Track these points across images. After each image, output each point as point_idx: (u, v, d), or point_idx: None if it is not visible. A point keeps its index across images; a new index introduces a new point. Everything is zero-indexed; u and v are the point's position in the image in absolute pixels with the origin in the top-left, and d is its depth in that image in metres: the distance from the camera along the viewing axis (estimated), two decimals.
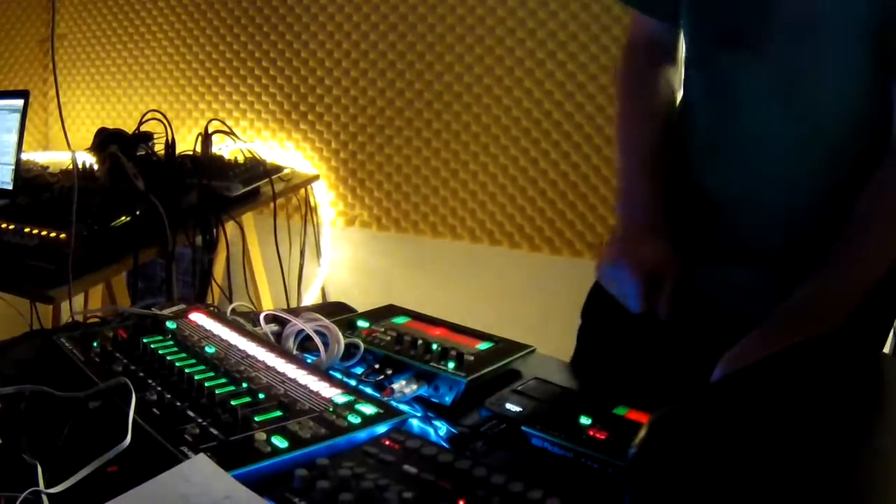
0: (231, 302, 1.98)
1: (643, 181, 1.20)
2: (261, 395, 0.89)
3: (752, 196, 1.13)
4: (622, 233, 1.21)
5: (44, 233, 1.73)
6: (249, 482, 0.71)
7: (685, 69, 1.20)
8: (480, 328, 1.18)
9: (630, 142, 1.26)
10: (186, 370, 0.94)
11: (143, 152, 2.06)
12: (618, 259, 1.16)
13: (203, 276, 2.34)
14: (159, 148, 2.09)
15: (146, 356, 0.98)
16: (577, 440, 0.86)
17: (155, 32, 3.05)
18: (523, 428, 0.89)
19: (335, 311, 1.27)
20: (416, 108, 2.69)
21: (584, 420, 0.90)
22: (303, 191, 2.80)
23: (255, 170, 2.32)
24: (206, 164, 2.14)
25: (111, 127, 2.25)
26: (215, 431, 0.80)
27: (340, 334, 1.08)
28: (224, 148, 2.52)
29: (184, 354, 1.00)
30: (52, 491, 0.73)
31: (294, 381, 0.95)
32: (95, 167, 2.07)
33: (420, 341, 1.08)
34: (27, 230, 1.75)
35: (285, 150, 2.90)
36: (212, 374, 0.95)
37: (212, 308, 1.22)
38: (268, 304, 2.67)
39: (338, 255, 2.90)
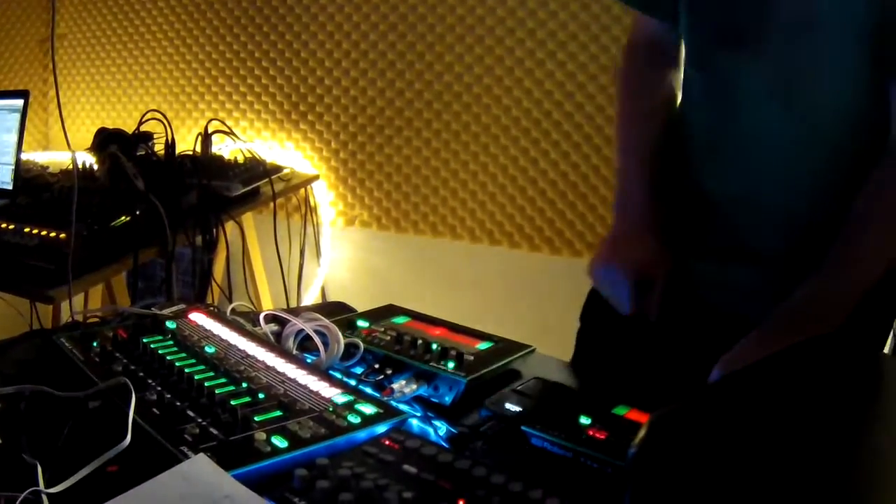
0: (231, 302, 1.98)
1: (639, 182, 1.20)
2: (261, 395, 0.90)
3: (750, 196, 1.13)
4: (615, 233, 1.21)
5: (44, 233, 1.73)
6: (249, 482, 0.72)
7: (684, 69, 1.20)
8: (480, 328, 1.18)
9: (629, 142, 1.27)
10: (186, 370, 0.94)
11: (143, 152, 2.06)
12: (609, 260, 1.17)
13: (203, 275, 2.34)
14: (159, 148, 2.09)
15: (146, 356, 0.98)
16: (577, 440, 0.86)
17: (155, 32, 3.05)
18: (523, 428, 0.89)
19: (335, 310, 1.27)
20: (416, 108, 2.70)
21: (584, 420, 0.90)
22: (303, 191, 2.80)
23: (255, 170, 2.32)
24: (205, 164, 2.14)
25: (111, 127, 2.25)
26: (215, 431, 0.80)
27: (340, 334, 1.08)
28: (224, 148, 2.52)
29: (184, 354, 1.00)
30: (51, 491, 0.73)
31: (294, 380, 0.95)
32: (95, 167, 2.07)
33: (420, 341, 1.08)
34: (27, 230, 1.75)
35: (285, 149, 2.90)
36: (212, 373, 0.95)
37: (212, 308, 1.22)
38: (267, 304, 2.67)
39: (338, 255, 2.90)
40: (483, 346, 1.12)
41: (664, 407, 0.65)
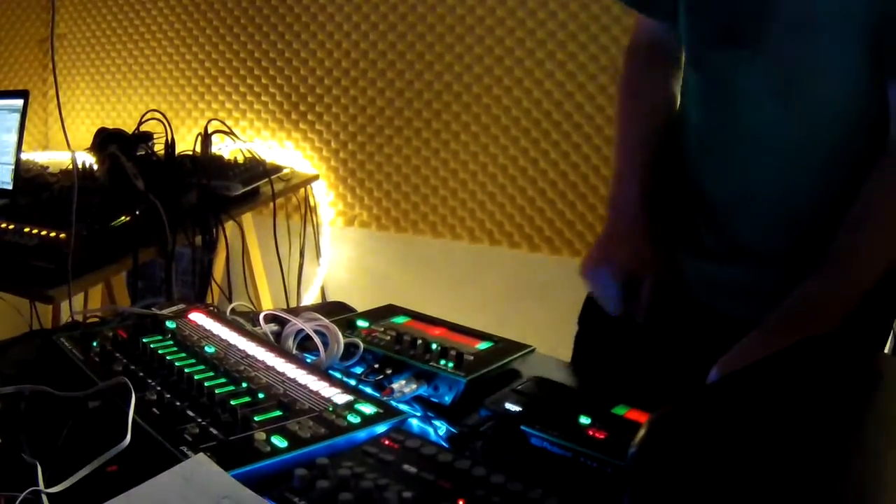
0: (231, 302, 1.98)
1: (634, 182, 1.21)
2: (260, 395, 0.90)
3: (749, 196, 1.13)
4: (607, 233, 1.22)
5: (43, 232, 1.73)
6: (249, 482, 0.72)
7: (684, 69, 1.20)
8: (480, 328, 1.18)
9: (626, 141, 1.27)
10: (186, 370, 0.94)
11: (143, 152, 2.06)
12: (599, 260, 1.17)
13: (203, 275, 2.34)
14: (159, 148, 2.09)
15: (146, 356, 0.98)
16: (577, 440, 0.86)
17: (155, 32, 3.05)
18: (523, 427, 0.89)
19: (335, 310, 1.27)
20: (416, 108, 2.70)
21: (584, 420, 0.90)
22: (302, 190, 2.80)
23: (255, 170, 2.32)
24: (205, 164, 2.14)
25: (111, 127, 2.25)
26: (215, 431, 0.80)
27: (340, 334, 1.08)
28: (224, 148, 2.52)
29: (183, 354, 1.00)
30: (51, 490, 0.73)
31: (294, 380, 0.95)
32: (95, 167, 2.07)
33: (419, 341, 1.08)
34: (27, 230, 1.75)
35: (285, 149, 2.90)
36: (211, 373, 0.95)
37: (211, 308, 1.22)
38: (267, 304, 2.67)
39: (337, 255, 2.90)
40: (483, 345, 1.12)
41: (664, 407, 0.65)
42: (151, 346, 1.01)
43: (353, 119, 2.79)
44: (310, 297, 2.88)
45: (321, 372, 0.99)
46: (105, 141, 2.08)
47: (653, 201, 1.21)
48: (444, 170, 2.70)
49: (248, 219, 2.57)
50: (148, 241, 1.91)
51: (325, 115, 2.83)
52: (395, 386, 1.00)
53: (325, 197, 2.87)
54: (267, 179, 2.32)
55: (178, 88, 3.05)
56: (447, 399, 1.00)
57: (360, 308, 1.30)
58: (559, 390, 1.02)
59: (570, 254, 2.56)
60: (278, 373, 0.97)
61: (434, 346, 1.07)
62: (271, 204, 2.38)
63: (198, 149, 2.20)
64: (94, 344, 1.02)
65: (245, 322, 1.16)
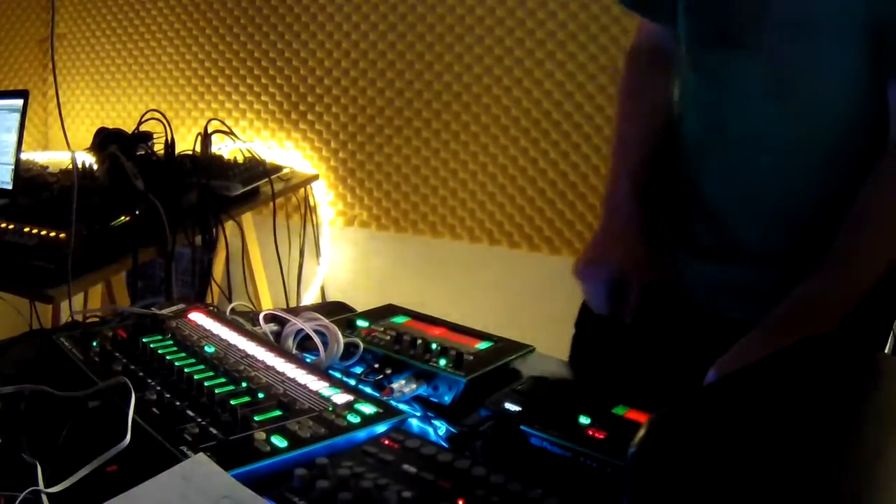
0: (230, 301, 1.98)
1: (630, 181, 1.21)
2: (260, 395, 0.90)
3: (747, 196, 1.13)
4: (600, 233, 1.23)
5: (43, 232, 1.73)
6: (249, 482, 0.72)
7: (682, 71, 1.20)
8: (480, 327, 1.18)
9: (624, 141, 1.28)
10: (186, 370, 0.94)
11: (143, 152, 2.06)
12: (589, 260, 1.18)
13: (202, 275, 2.34)
14: (159, 148, 2.09)
15: (146, 356, 0.98)
16: (577, 439, 0.86)
17: (154, 32, 3.05)
18: (522, 427, 0.89)
19: (334, 310, 1.27)
20: (415, 108, 2.70)
21: (584, 419, 0.90)
22: (302, 190, 2.80)
23: (255, 169, 2.32)
24: (205, 164, 2.14)
25: (111, 126, 2.25)
26: (215, 431, 0.80)
27: (340, 334, 1.08)
28: (223, 147, 2.52)
29: (183, 354, 1.00)
30: (51, 490, 0.73)
31: (293, 380, 0.95)
32: (95, 167, 2.07)
33: (419, 341, 1.08)
34: (27, 230, 1.75)
35: (284, 149, 2.90)
36: (211, 373, 0.95)
37: (211, 308, 1.22)
38: (267, 304, 2.67)
39: (337, 255, 2.90)
40: (482, 345, 1.12)
41: (664, 407, 0.65)
42: (151, 345, 1.01)
43: (353, 119, 2.79)
44: (309, 297, 2.88)
45: (321, 372, 0.99)
46: (105, 141, 2.08)
47: (648, 200, 1.21)
48: (444, 170, 2.70)
49: (247, 218, 2.57)
50: (148, 240, 1.91)
51: (324, 115, 2.83)
52: (395, 386, 1.00)
53: (325, 197, 2.87)
54: (267, 179, 2.32)
55: (178, 88, 3.05)
56: (447, 399, 1.00)
57: (359, 308, 1.30)
58: (559, 390, 1.02)
59: (570, 254, 2.56)
60: (278, 373, 0.97)
61: (434, 345, 1.07)
62: (271, 204, 2.38)
63: (197, 148, 2.20)
64: (94, 344, 1.02)
65: (245, 322, 1.16)
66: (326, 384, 0.94)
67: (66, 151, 2.33)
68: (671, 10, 1.15)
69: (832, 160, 1.07)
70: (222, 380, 0.93)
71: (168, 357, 0.98)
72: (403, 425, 0.89)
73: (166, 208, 1.91)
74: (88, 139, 2.19)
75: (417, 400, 1.01)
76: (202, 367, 0.97)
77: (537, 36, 2.50)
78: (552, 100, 2.52)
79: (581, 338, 1.35)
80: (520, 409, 0.93)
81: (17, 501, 0.71)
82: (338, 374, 1.04)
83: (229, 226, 2.25)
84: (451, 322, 1.20)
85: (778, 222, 1.12)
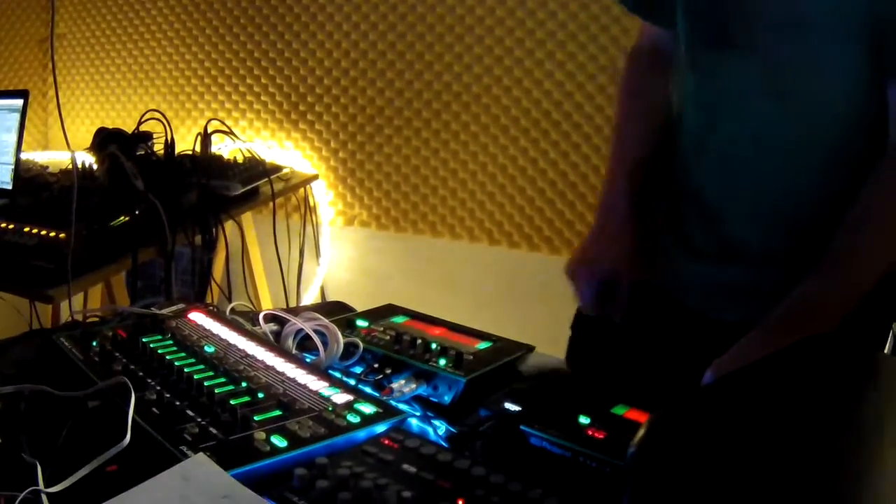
0: (230, 301, 1.98)
1: (626, 180, 1.22)
2: (260, 395, 0.90)
3: (745, 197, 1.13)
4: (592, 234, 1.23)
5: (43, 232, 1.73)
6: (249, 481, 0.72)
7: (681, 72, 1.21)
8: (479, 327, 1.18)
9: (622, 140, 1.29)
10: (186, 369, 0.94)
11: (143, 152, 2.06)
12: (579, 260, 1.19)
13: (202, 275, 2.34)
14: (159, 147, 2.08)
15: (145, 355, 0.99)
16: (576, 439, 0.86)
17: (154, 32, 3.05)
18: (522, 427, 0.89)
19: (334, 310, 1.27)
20: (415, 108, 2.70)
21: (583, 419, 0.90)
22: (302, 190, 2.80)
23: (255, 169, 2.32)
24: (205, 164, 2.14)
25: (110, 126, 2.25)
26: (214, 431, 0.80)
27: (339, 333, 1.08)
28: (223, 147, 2.52)
29: (183, 354, 1.01)
30: (51, 490, 0.73)
31: (293, 380, 0.95)
32: (95, 167, 2.07)
33: (419, 341, 1.08)
34: (27, 230, 1.75)
35: (284, 149, 2.90)
36: (211, 373, 0.95)
37: (211, 307, 1.23)
38: (267, 304, 2.67)
39: (337, 255, 2.90)
40: (482, 345, 1.12)
41: (664, 407, 0.65)
42: (151, 345, 1.01)
43: (353, 119, 2.79)
44: (309, 297, 2.88)
45: (321, 371, 0.99)
46: (105, 141, 2.08)
47: (645, 201, 1.22)
48: (444, 169, 2.70)
49: (247, 218, 2.57)
50: (147, 240, 1.91)
51: (324, 115, 2.83)
52: (395, 385, 1.00)
53: (325, 196, 2.87)
54: (266, 179, 2.32)
55: (178, 88, 3.05)
56: (447, 399, 1.00)
57: (359, 308, 1.30)
58: (558, 390, 1.02)
59: (570, 253, 2.54)
60: (278, 372, 0.97)
61: (433, 345, 1.07)
62: (271, 203, 2.38)
63: (197, 148, 2.20)
64: (94, 344, 1.02)
65: (245, 322, 1.17)
66: (326, 384, 0.94)
67: (66, 151, 2.33)
68: (671, 12, 1.16)
69: (831, 160, 1.07)
70: (222, 380, 0.93)
71: (168, 357, 0.98)
72: (403, 425, 0.89)
73: (166, 208, 1.91)
74: (88, 139, 2.19)
75: (417, 400, 1.01)
76: (202, 366, 0.97)
77: (537, 36, 2.49)
78: (552, 100, 2.52)
79: (577, 339, 1.35)
80: (519, 408, 0.93)
81: (17, 501, 0.71)
82: (338, 374, 1.04)
83: (229, 226, 2.25)
84: (451, 322, 1.20)
85: (776, 222, 1.12)
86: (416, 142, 2.72)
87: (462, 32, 2.59)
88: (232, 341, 1.07)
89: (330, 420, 0.85)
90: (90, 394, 0.89)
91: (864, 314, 1.00)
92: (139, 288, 2.11)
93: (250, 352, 1.03)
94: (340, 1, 2.73)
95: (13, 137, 2.09)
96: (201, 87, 3.01)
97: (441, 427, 0.95)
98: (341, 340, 1.07)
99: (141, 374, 0.92)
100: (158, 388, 0.90)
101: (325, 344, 1.08)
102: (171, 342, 1.04)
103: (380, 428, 0.85)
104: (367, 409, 0.88)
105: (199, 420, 0.82)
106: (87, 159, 2.11)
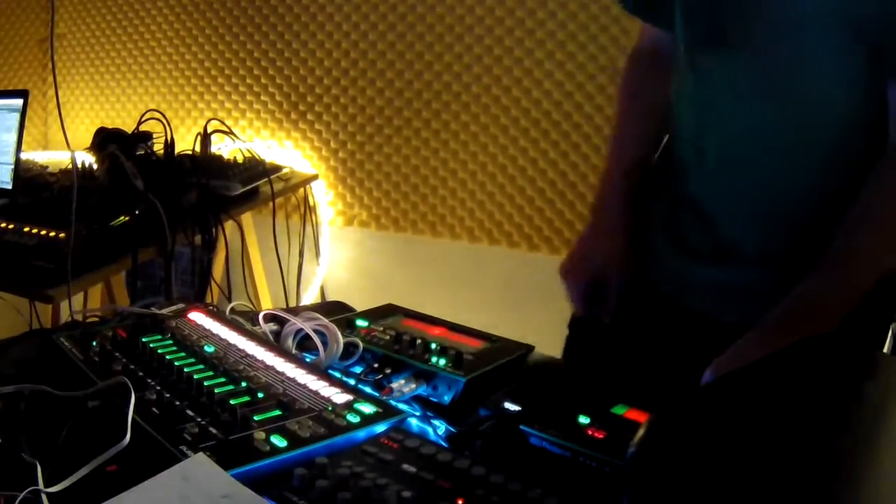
0: (230, 301, 1.98)
1: (620, 182, 1.23)
2: (260, 395, 0.90)
3: (743, 197, 1.13)
4: (584, 234, 1.24)
5: (43, 232, 1.73)
6: (248, 481, 0.72)
7: (679, 73, 1.21)
8: (479, 327, 1.18)
9: (620, 139, 1.29)
10: (185, 369, 0.94)
11: (143, 152, 2.06)
12: (570, 261, 1.20)
13: (202, 275, 2.34)
14: (158, 147, 2.09)
15: (145, 355, 0.99)
16: (576, 439, 0.86)
17: (154, 32, 3.05)
18: (522, 427, 0.89)
19: (334, 310, 1.27)
20: (415, 108, 2.70)
21: (583, 419, 0.90)
22: (302, 190, 2.80)
23: (254, 169, 2.32)
24: (205, 164, 2.14)
25: (110, 126, 2.25)
26: (214, 430, 0.80)
27: (339, 333, 1.08)
28: (223, 147, 2.52)
29: (183, 354, 1.01)
30: (51, 490, 0.73)
31: (293, 380, 0.95)
32: (95, 167, 2.07)
33: (419, 340, 1.08)
34: (26, 229, 1.75)
35: (284, 149, 2.90)
36: (211, 373, 0.95)
37: (211, 307, 1.23)
38: (267, 304, 2.67)
39: (337, 255, 2.90)
40: (482, 345, 1.12)
41: (663, 407, 0.65)
42: (151, 345, 1.01)
43: (352, 118, 2.79)
44: (309, 297, 2.88)
45: (320, 371, 0.99)
46: (104, 140, 2.08)
47: (641, 201, 1.22)
48: (444, 169, 2.70)
49: (247, 218, 2.57)
50: (147, 240, 1.91)
51: (324, 115, 2.83)
52: (395, 385, 1.00)
53: (325, 196, 2.87)
54: (266, 179, 2.32)
55: (178, 88, 3.05)
56: (446, 398, 1.00)
57: (359, 308, 1.30)
58: (558, 390, 1.02)
59: None
60: (278, 372, 0.97)
61: (433, 345, 1.07)
62: (271, 203, 2.38)
63: (197, 148, 2.20)
64: (94, 343, 1.02)
65: (244, 321, 1.17)
66: (326, 384, 0.94)
67: (65, 151, 2.32)
68: (671, 13, 1.16)
69: (828, 160, 1.07)
70: (222, 379, 0.93)
71: (168, 357, 0.98)
72: (403, 425, 0.89)
73: (166, 208, 1.90)
74: (88, 139, 2.19)
75: (417, 399, 1.01)
76: (202, 366, 0.97)
77: (537, 36, 2.50)
78: (551, 100, 2.52)
79: (573, 338, 1.35)
80: (519, 408, 0.93)
81: (17, 501, 0.71)
82: (337, 374, 1.04)
83: (229, 226, 2.25)
84: (451, 322, 1.20)
85: (773, 223, 1.12)
86: (416, 142, 2.72)
87: (462, 32, 2.59)
88: (232, 341, 1.07)
89: (330, 420, 0.85)
90: (90, 394, 0.89)
91: (863, 314, 1.00)
92: (139, 288, 2.11)
93: (250, 352, 1.03)
94: (340, 1, 2.73)
95: (13, 137, 2.09)
96: (201, 87, 3.01)
97: (441, 427, 0.95)
98: (341, 340, 1.07)
99: (141, 374, 0.92)
100: (158, 387, 0.90)
101: (324, 344, 1.08)
102: (170, 342, 1.04)
103: (379, 428, 0.85)
104: (367, 408, 0.88)
105: (199, 420, 0.82)
106: (87, 159, 2.12)
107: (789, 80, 1.04)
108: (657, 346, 1.22)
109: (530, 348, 1.14)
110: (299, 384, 0.94)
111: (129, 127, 2.18)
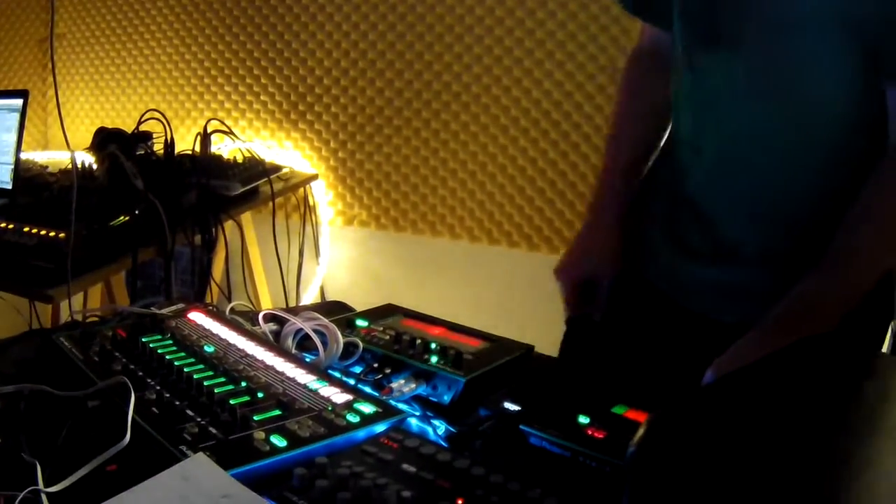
0: (230, 301, 1.98)
1: (617, 181, 1.23)
2: (260, 394, 0.90)
3: (742, 197, 1.12)
4: (583, 229, 1.24)
5: (43, 232, 1.73)
6: (248, 481, 0.72)
7: (677, 73, 1.21)
8: (479, 327, 1.19)
9: (619, 139, 1.30)
10: (185, 369, 0.94)
11: (143, 152, 2.06)
12: (565, 259, 1.22)
13: (202, 275, 2.34)
14: (158, 147, 2.08)
15: (145, 355, 0.99)
16: (576, 439, 0.86)
17: (154, 32, 3.05)
18: (521, 427, 0.89)
19: (334, 310, 1.27)
20: (415, 108, 2.70)
21: (583, 419, 0.90)
22: (301, 190, 2.80)
23: (254, 169, 2.32)
24: (205, 164, 2.14)
25: (110, 126, 2.25)
26: (214, 430, 0.80)
27: (339, 333, 1.08)
28: (223, 147, 2.52)
29: (183, 353, 1.01)
30: (51, 490, 0.73)
31: (293, 380, 0.95)
32: (94, 167, 2.07)
33: (419, 340, 1.08)
34: (26, 229, 1.75)
35: (284, 149, 2.90)
36: (211, 373, 0.95)
37: (211, 307, 1.23)
38: (266, 304, 2.67)
39: (336, 255, 2.90)
40: (482, 345, 1.12)
41: (663, 407, 0.65)
42: (151, 345, 1.01)
43: (352, 118, 2.79)
44: (309, 297, 2.88)
45: (320, 371, 0.99)
46: (104, 140, 2.08)
47: (638, 201, 1.23)
48: (443, 169, 2.70)
49: (247, 218, 2.57)
50: (147, 240, 1.91)
51: (323, 115, 2.83)
52: (395, 385, 1.00)
53: (325, 196, 2.87)
54: (266, 179, 2.32)
55: (178, 88, 3.05)
56: (446, 398, 1.00)
57: (359, 307, 1.30)
58: (558, 389, 1.02)
59: None
60: (277, 372, 0.97)
61: (433, 345, 1.07)
62: (270, 203, 2.38)
63: (197, 148, 2.20)
64: (94, 343, 1.02)
65: (244, 321, 1.17)
66: (326, 384, 0.94)
67: (65, 151, 2.32)
68: (670, 14, 1.16)
69: (827, 160, 1.07)
70: (222, 379, 0.93)
71: (167, 357, 0.98)
72: (403, 425, 0.89)
73: (166, 208, 1.90)
74: (88, 139, 2.19)
75: (417, 399, 1.01)
76: (202, 366, 0.97)
77: (536, 36, 2.50)
78: (551, 100, 2.52)
79: (570, 337, 1.35)
80: (519, 408, 0.93)
81: (17, 501, 0.71)
82: (337, 374, 1.04)
83: (229, 225, 2.25)
84: (451, 322, 1.20)
85: (772, 223, 1.12)
86: (416, 141, 2.72)
87: (461, 32, 2.59)
88: (231, 341, 1.07)
89: (329, 420, 0.85)
90: (90, 393, 0.89)
91: (863, 314, 1.00)
92: (139, 288, 2.12)
93: (250, 351, 1.03)
94: (340, 1, 2.73)
95: (13, 137, 2.09)
96: (201, 86, 3.01)
97: (440, 427, 0.95)
98: (341, 340, 1.07)
99: (141, 373, 0.92)
100: (158, 387, 0.90)
101: (324, 344, 1.08)
102: (170, 342, 1.04)
103: (379, 427, 0.86)
104: (367, 408, 0.88)
105: (199, 420, 0.82)
106: (87, 159, 2.11)
107: (787, 80, 1.04)
108: (656, 345, 1.22)
109: (530, 348, 1.14)
110: (299, 384, 0.94)
111: (128, 127, 2.18)
